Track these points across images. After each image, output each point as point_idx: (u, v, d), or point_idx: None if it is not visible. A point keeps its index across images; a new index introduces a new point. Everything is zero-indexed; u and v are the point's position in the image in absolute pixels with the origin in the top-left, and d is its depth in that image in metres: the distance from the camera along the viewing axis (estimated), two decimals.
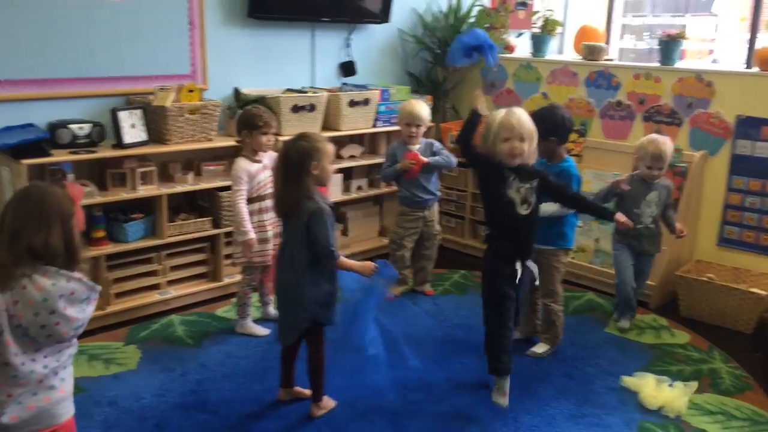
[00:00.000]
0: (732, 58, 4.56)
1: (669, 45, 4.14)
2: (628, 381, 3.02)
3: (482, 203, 2.94)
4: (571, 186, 3.10)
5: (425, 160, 3.70)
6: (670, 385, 2.95)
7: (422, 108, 3.75)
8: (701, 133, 4.00)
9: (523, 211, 2.71)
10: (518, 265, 2.79)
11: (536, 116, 3.12)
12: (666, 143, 3.44)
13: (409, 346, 3.31)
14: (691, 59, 4.71)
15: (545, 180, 2.79)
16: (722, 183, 3.93)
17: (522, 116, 2.71)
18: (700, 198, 4.01)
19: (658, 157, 3.41)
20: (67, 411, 1.85)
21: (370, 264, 2.60)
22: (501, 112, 2.73)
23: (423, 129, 3.77)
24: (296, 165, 2.49)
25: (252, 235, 3.18)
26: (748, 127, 3.81)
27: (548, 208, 3.04)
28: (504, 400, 2.83)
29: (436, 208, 3.93)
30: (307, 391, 2.82)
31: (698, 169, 3.93)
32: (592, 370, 3.15)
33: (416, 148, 3.76)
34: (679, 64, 4.18)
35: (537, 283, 3.16)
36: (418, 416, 2.75)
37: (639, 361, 3.24)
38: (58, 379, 1.81)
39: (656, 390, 2.91)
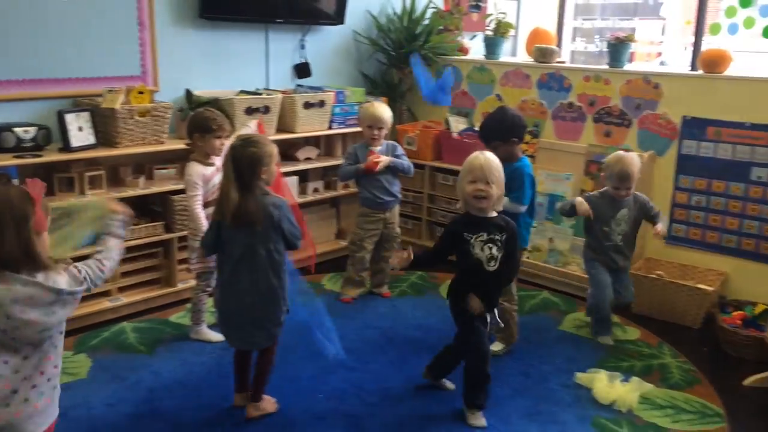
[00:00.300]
0: (679, 61, 4.70)
1: (617, 48, 4.23)
2: (582, 377, 3.08)
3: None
4: (519, 183, 3.13)
5: (385, 160, 3.72)
6: (623, 381, 3.01)
7: (385, 111, 3.78)
8: (649, 134, 4.10)
9: (491, 267, 2.67)
10: (488, 316, 2.77)
11: (494, 119, 3.17)
12: (632, 162, 3.37)
13: (367, 348, 3.35)
14: (640, 62, 4.83)
15: (511, 238, 2.70)
16: (670, 182, 4.04)
17: (490, 159, 2.66)
18: (649, 197, 4.09)
19: (624, 177, 3.35)
20: (38, 429, 1.79)
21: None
22: (472, 155, 2.70)
23: (385, 131, 3.79)
24: (249, 172, 2.48)
25: (202, 222, 3.12)
26: (693, 127, 3.92)
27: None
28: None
29: (396, 210, 3.94)
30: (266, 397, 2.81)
31: (647, 169, 4.03)
32: (547, 368, 3.20)
33: (378, 149, 3.78)
34: (628, 67, 4.29)
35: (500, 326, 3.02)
36: (376, 418, 2.75)
37: (593, 357, 3.30)
38: (36, 392, 1.77)
39: (609, 386, 2.97)
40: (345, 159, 3.86)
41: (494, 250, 2.65)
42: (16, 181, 3.25)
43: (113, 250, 2.03)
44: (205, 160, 3.19)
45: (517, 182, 3.12)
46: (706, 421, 2.80)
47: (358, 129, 4.45)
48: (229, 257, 2.57)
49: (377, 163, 3.69)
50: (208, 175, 3.17)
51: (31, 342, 1.74)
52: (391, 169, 3.78)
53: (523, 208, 3.17)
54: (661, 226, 3.43)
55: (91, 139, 3.40)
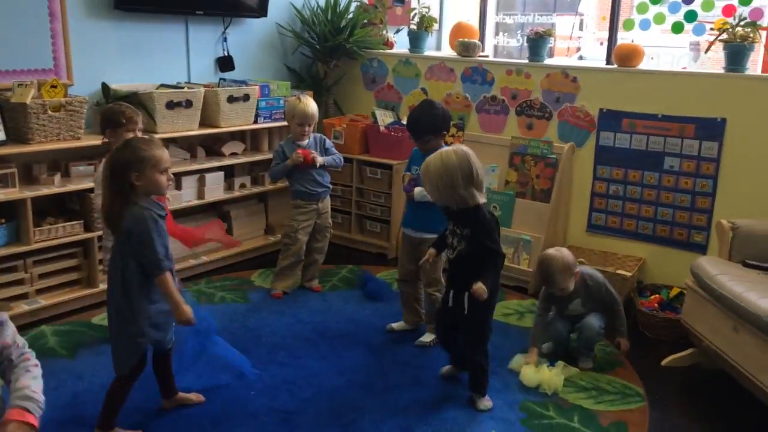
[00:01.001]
0: (595, 56, 4.86)
1: (537, 42, 4.35)
2: (512, 363, 3.16)
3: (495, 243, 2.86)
4: None
5: (319, 160, 3.74)
6: (549, 366, 3.10)
7: (314, 107, 3.78)
8: (568, 126, 4.23)
9: (450, 255, 2.81)
10: (451, 292, 2.85)
11: (425, 114, 3.20)
12: (551, 264, 3.11)
13: (299, 343, 3.32)
14: (560, 56, 4.97)
15: (475, 234, 2.69)
16: (589, 172, 4.18)
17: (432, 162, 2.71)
18: (570, 187, 4.25)
19: (553, 281, 3.13)
20: None
21: (187, 311, 2.40)
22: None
23: (313, 127, 3.78)
24: (118, 176, 2.33)
25: None
26: (609, 119, 4.07)
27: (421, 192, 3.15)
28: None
29: (328, 200, 3.95)
30: (193, 396, 2.74)
31: (567, 160, 4.16)
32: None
33: (306, 143, 3.77)
34: (548, 61, 4.41)
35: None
36: (309, 413, 2.73)
37: (520, 344, 3.38)
38: None
39: (535, 370, 3.05)
40: (273, 158, 3.82)
41: (454, 241, 2.75)
42: None
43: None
44: None
45: None
46: (628, 401, 2.92)
47: (285, 123, 4.42)
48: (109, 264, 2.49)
49: (314, 158, 3.70)
50: None
51: None
52: (323, 167, 3.82)
53: None
54: (625, 342, 3.23)
55: (0, 136, 3.23)
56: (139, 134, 3.08)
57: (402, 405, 2.82)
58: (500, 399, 2.89)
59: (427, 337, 3.37)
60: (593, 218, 4.21)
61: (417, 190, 3.19)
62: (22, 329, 3.24)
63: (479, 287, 2.61)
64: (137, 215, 2.32)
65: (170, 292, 2.37)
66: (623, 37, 4.40)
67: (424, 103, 3.32)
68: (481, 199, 2.68)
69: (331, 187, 3.94)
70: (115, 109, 3.08)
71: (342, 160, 3.93)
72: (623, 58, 4.04)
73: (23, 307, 3.34)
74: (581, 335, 3.21)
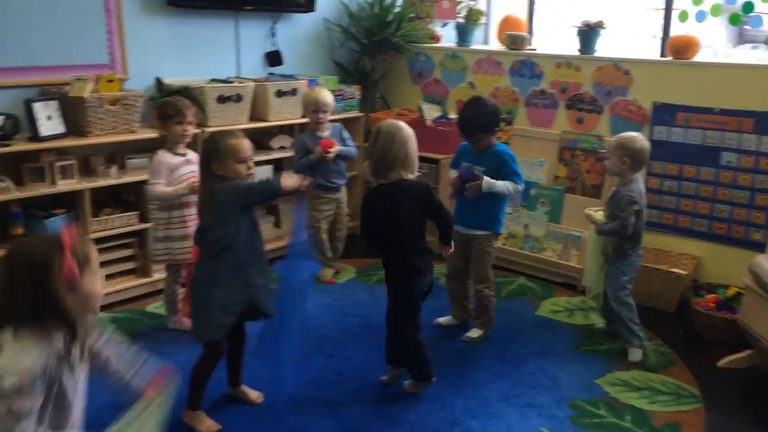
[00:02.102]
0: (645, 48, 4.74)
1: (588, 34, 4.27)
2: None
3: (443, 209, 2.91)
4: (509, 166, 3.18)
5: (339, 148, 3.81)
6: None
7: (327, 94, 3.83)
8: (620, 120, 4.15)
9: None
10: None
11: (476, 112, 3.18)
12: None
13: (346, 336, 3.34)
14: (606, 49, 4.85)
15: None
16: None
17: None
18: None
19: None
20: None
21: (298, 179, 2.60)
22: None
23: (329, 115, 3.84)
24: (203, 167, 2.49)
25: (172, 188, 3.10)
26: (663, 113, 3.97)
27: (499, 185, 3.13)
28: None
29: (345, 190, 4.05)
30: (253, 395, 2.78)
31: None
32: (524, 353, 3.23)
33: (326, 134, 3.81)
34: (598, 53, 4.32)
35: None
36: (357, 404, 2.75)
37: (569, 341, 3.34)
38: None
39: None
40: (295, 152, 3.88)
41: None
42: None
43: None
44: (173, 149, 3.15)
45: (506, 165, 3.17)
46: (683, 402, 2.85)
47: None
48: None
49: (329, 152, 3.75)
50: (174, 164, 3.13)
51: None
52: (340, 156, 3.88)
53: (522, 187, 3.24)
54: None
55: (60, 128, 3.33)
56: (191, 127, 3.15)
57: (448, 399, 2.81)
58: (548, 397, 2.86)
59: (474, 333, 3.35)
60: (646, 214, 4.10)
61: (508, 185, 3.15)
62: None
63: None
64: (224, 187, 2.43)
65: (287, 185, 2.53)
66: (676, 29, 4.28)
67: (473, 101, 3.29)
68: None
69: (348, 176, 4.07)
70: (166, 102, 3.16)
71: (356, 152, 4.04)
72: (679, 50, 3.93)
73: None
74: None
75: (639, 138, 3.17)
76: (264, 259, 2.60)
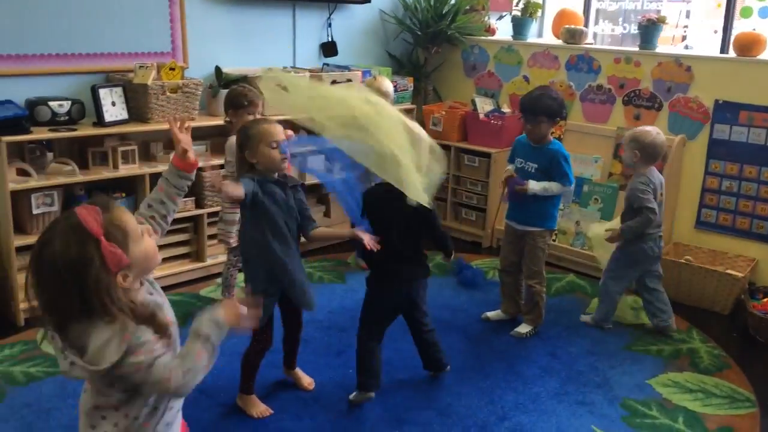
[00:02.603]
0: (704, 45, 4.62)
1: (649, 29, 4.18)
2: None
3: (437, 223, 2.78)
4: (560, 167, 3.13)
5: None
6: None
7: (389, 84, 3.85)
8: (680, 117, 4.06)
9: None
10: None
11: (547, 96, 3.14)
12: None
13: (395, 327, 3.36)
14: (664, 45, 4.74)
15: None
16: (700, 167, 4.00)
17: None
18: (679, 181, 4.08)
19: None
20: None
21: None
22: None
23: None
24: (238, 157, 2.51)
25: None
26: (725, 111, 3.88)
27: (542, 188, 3.12)
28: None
29: None
30: (306, 381, 2.83)
31: (677, 153, 3.99)
32: (574, 350, 3.21)
33: None
34: (660, 49, 4.23)
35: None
36: (406, 394, 2.78)
37: (620, 340, 3.30)
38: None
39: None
40: None
41: None
42: (50, 155, 3.29)
43: (192, 359, 1.54)
44: None
45: (558, 165, 3.13)
46: (737, 406, 2.79)
47: None
48: None
49: None
50: None
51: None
52: None
53: (572, 188, 3.23)
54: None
55: (123, 114, 3.42)
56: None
57: (498, 393, 2.82)
58: (599, 395, 2.83)
59: (524, 328, 3.34)
60: (702, 215, 4.03)
61: (532, 183, 3.12)
62: None
63: None
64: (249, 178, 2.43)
65: None
66: (738, 26, 4.17)
67: (542, 87, 3.31)
68: None
69: None
70: (238, 91, 3.20)
71: None
72: (744, 47, 3.83)
73: None
74: None
75: (653, 132, 3.18)
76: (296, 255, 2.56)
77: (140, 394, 1.54)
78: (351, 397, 2.72)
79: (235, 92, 3.21)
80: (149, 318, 1.50)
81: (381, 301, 2.72)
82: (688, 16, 6.39)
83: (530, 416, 2.66)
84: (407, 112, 4.75)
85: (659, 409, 2.75)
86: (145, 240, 1.53)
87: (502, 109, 4.64)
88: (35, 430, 2.44)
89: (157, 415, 1.59)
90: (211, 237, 3.77)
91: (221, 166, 3.51)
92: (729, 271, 3.66)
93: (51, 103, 3.23)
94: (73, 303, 1.39)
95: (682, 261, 3.78)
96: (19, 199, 3.14)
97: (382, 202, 2.57)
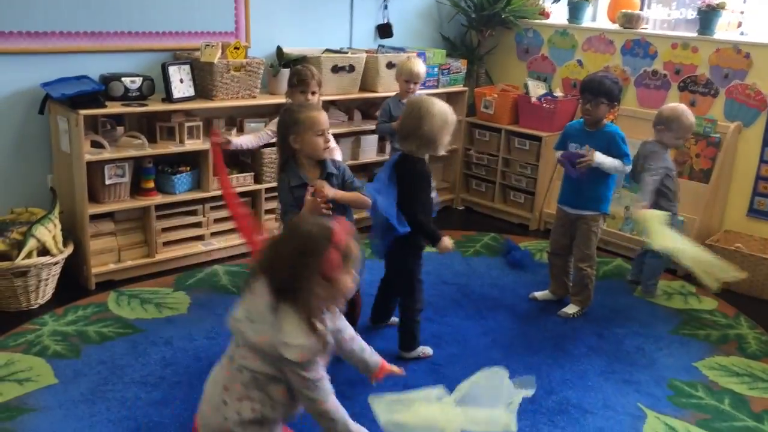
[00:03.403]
0: (761, 31, 4.55)
1: (708, 15, 4.15)
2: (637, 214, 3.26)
3: (412, 206, 2.74)
4: (620, 147, 3.20)
5: None
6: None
7: (422, 67, 3.89)
8: (736, 104, 4.03)
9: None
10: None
11: (609, 79, 3.21)
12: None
13: (444, 302, 3.47)
14: (720, 31, 4.67)
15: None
16: (755, 154, 3.98)
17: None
18: (732, 169, 4.06)
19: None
20: None
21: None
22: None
23: (418, 86, 3.89)
24: (281, 138, 2.61)
25: (239, 138, 3.26)
26: None
27: (608, 162, 3.17)
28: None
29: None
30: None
31: (732, 140, 3.98)
32: (621, 331, 3.26)
33: None
34: (718, 35, 4.19)
35: None
36: (457, 366, 2.87)
37: (667, 324, 3.35)
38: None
39: (663, 230, 3.02)
40: (380, 114, 3.94)
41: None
42: (120, 129, 3.48)
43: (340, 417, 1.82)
44: None
45: (617, 145, 3.20)
46: None
47: (437, 90, 4.55)
48: None
49: None
50: None
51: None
52: None
53: (629, 167, 3.27)
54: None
55: (190, 91, 3.57)
56: (314, 97, 3.26)
57: (545, 369, 2.90)
58: (646, 374, 2.89)
59: (571, 309, 3.40)
60: (756, 203, 4.01)
61: (598, 155, 3.14)
62: (198, 267, 3.64)
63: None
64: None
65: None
66: None
67: (602, 71, 3.36)
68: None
69: None
70: (294, 70, 3.31)
71: None
72: None
73: (200, 247, 3.72)
74: None
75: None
76: None
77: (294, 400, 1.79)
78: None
79: (292, 71, 3.33)
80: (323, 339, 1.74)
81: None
82: (745, 1, 6.26)
83: (577, 391, 2.75)
84: (460, 94, 4.83)
85: (705, 390, 2.80)
86: (351, 277, 1.75)
87: (555, 93, 4.66)
88: (110, 383, 2.62)
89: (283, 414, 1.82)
90: (268, 212, 3.92)
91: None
92: None
93: (124, 79, 3.39)
94: (288, 280, 1.67)
95: (733, 248, 3.78)
96: (93, 170, 3.31)
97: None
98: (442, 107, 2.71)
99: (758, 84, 3.93)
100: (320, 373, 1.76)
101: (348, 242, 1.72)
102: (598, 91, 3.17)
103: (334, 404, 1.80)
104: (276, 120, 3.21)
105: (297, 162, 2.60)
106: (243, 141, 3.22)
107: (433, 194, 2.87)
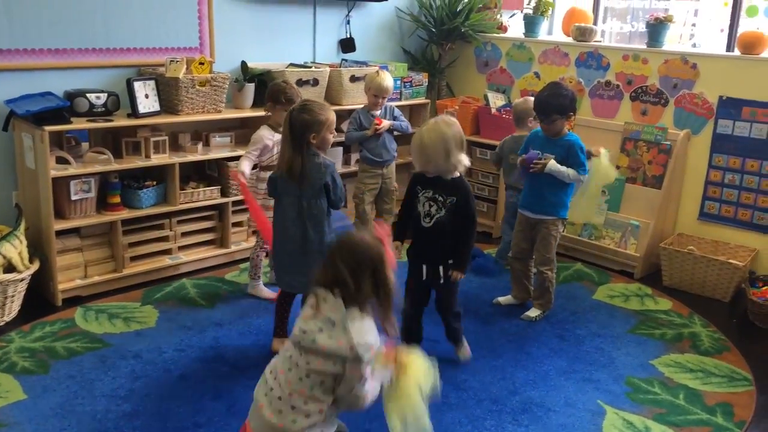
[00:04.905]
0: (711, 43, 4.77)
1: (656, 28, 4.34)
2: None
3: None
4: (577, 156, 3.32)
5: (386, 124, 4.00)
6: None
7: (390, 81, 4.02)
8: (685, 113, 4.22)
9: (425, 224, 2.84)
10: (424, 267, 2.91)
11: (557, 95, 3.32)
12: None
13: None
14: (672, 43, 4.89)
15: (462, 200, 2.81)
16: (704, 160, 4.16)
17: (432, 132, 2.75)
18: (683, 175, 4.24)
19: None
20: None
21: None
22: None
23: (386, 100, 4.03)
24: (299, 135, 2.73)
25: (243, 168, 3.29)
26: (729, 107, 4.03)
27: (561, 170, 3.30)
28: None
29: (393, 166, 4.17)
30: None
31: (682, 147, 4.16)
32: (581, 332, 3.38)
33: (379, 113, 4.03)
34: (667, 47, 4.38)
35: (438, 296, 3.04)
36: None
37: (625, 324, 3.47)
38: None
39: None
40: (349, 124, 4.08)
41: (433, 209, 2.82)
42: (85, 145, 3.50)
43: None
44: (276, 128, 3.37)
45: (575, 155, 3.32)
46: (735, 384, 2.96)
47: (400, 103, 4.65)
48: (282, 208, 2.86)
49: (378, 127, 3.96)
50: (274, 140, 3.35)
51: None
52: (390, 130, 4.07)
53: (585, 177, 3.39)
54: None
55: (156, 106, 3.61)
56: None
57: (509, 370, 2.99)
58: (605, 373, 3.01)
59: (533, 312, 3.51)
60: (706, 206, 4.19)
61: (552, 162, 3.29)
62: (166, 281, 3.65)
63: (457, 275, 2.87)
64: (322, 162, 2.79)
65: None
66: (744, 25, 4.31)
67: (552, 84, 3.46)
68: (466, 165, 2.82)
69: (396, 154, 4.16)
70: (281, 88, 3.39)
71: (409, 126, 4.18)
72: (748, 45, 3.98)
73: (167, 261, 3.74)
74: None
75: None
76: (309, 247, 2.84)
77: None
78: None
79: (277, 87, 3.40)
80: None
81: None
82: (696, 15, 6.52)
83: (539, 391, 2.84)
84: (422, 106, 4.94)
85: (661, 386, 2.92)
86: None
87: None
88: (80, 398, 2.63)
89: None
90: (236, 224, 3.96)
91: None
92: (730, 261, 3.82)
93: (89, 95, 3.41)
94: (366, 287, 1.92)
95: (686, 251, 3.94)
96: (59, 186, 3.31)
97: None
98: (438, 125, 2.79)
99: (705, 93, 4.12)
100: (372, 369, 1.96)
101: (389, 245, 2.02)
102: (548, 110, 3.32)
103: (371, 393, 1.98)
104: (258, 140, 3.35)
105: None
106: (246, 170, 3.33)
107: None
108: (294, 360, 1.94)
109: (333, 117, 2.81)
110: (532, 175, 3.35)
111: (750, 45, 3.98)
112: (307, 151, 2.75)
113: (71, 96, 3.39)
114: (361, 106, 4.20)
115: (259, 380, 2.03)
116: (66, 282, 3.41)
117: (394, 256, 2.03)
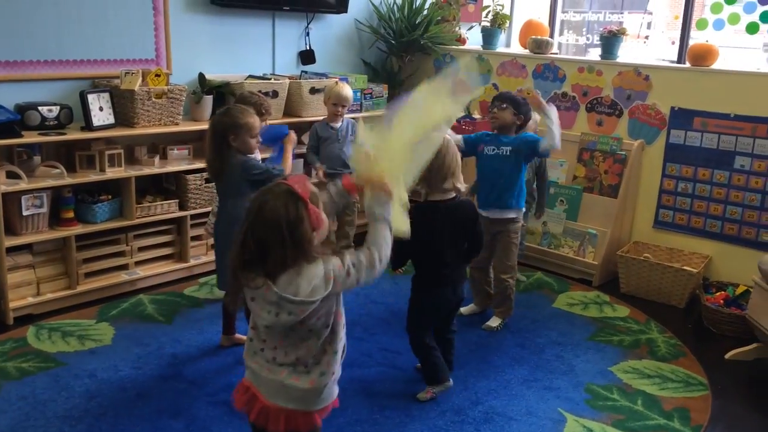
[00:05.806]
0: (663, 55, 4.90)
1: (610, 40, 4.44)
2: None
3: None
4: (533, 137, 3.47)
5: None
6: None
7: (349, 90, 4.05)
8: (639, 124, 4.31)
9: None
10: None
11: (510, 93, 3.54)
12: None
13: (373, 321, 3.53)
14: (626, 55, 5.01)
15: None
16: (658, 170, 4.26)
17: None
18: (638, 184, 4.33)
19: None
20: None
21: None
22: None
23: (346, 109, 4.04)
24: (219, 137, 2.85)
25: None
26: (681, 117, 4.14)
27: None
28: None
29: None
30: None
31: (636, 156, 4.25)
32: (542, 341, 3.41)
33: (339, 125, 4.03)
34: (621, 59, 4.48)
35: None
36: (387, 383, 2.94)
37: (584, 332, 3.52)
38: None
39: None
40: (309, 139, 4.09)
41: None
42: (37, 159, 3.41)
43: (380, 236, 1.90)
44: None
45: (531, 138, 3.46)
46: (691, 389, 3.02)
47: (360, 114, 4.65)
48: (219, 209, 3.00)
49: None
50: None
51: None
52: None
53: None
54: None
55: (110, 119, 3.54)
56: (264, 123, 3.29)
57: (471, 381, 3.00)
58: (565, 381, 3.04)
59: (494, 322, 3.53)
60: (660, 215, 4.28)
61: (543, 141, 3.39)
62: (122, 297, 3.58)
63: None
64: (238, 161, 2.85)
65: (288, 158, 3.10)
66: (694, 37, 4.45)
67: (503, 94, 3.62)
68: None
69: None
70: (253, 101, 3.32)
71: None
72: (698, 57, 4.09)
73: (123, 276, 3.66)
74: None
75: None
76: None
77: (335, 332, 1.92)
78: (425, 395, 2.84)
79: (248, 100, 3.31)
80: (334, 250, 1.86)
81: (437, 304, 2.87)
82: (648, 27, 6.70)
83: (501, 400, 2.86)
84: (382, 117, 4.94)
85: (620, 393, 2.96)
86: (321, 209, 1.82)
87: (473, 116, 4.85)
88: (32, 419, 2.55)
89: (340, 344, 1.97)
90: (194, 238, 3.90)
91: (203, 170, 3.68)
92: (685, 267, 3.91)
93: (41, 108, 3.34)
94: (288, 252, 1.72)
95: (641, 258, 4.02)
96: (9, 201, 3.23)
97: (434, 214, 2.73)
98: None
99: (658, 104, 4.23)
100: (342, 271, 1.80)
101: (310, 188, 1.80)
102: (503, 98, 3.47)
103: (366, 262, 1.85)
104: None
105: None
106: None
107: None
108: (276, 340, 1.85)
109: (254, 122, 2.88)
110: (488, 175, 3.42)
111: (700, 57, 4.09)
112: (228, 152, 2.83)
113: (22, 109, 3.31)
114: (322, 118, 4.20)
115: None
116: (17, 300, 3.31)
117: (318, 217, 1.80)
